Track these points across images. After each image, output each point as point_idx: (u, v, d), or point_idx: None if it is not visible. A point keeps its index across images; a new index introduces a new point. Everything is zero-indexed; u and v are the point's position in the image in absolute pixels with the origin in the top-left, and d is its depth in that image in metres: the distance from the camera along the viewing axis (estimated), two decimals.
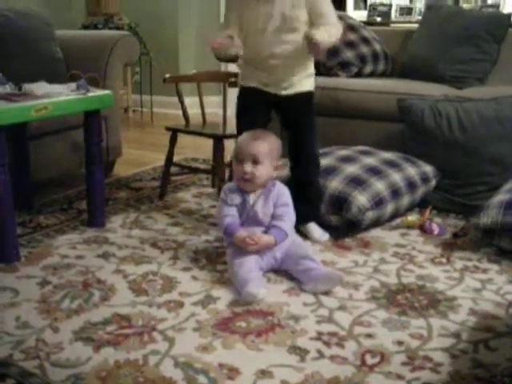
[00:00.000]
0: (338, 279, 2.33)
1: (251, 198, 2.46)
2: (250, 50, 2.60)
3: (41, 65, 3.48)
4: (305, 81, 2.70)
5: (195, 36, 6.36)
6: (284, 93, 2.67)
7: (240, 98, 2.77)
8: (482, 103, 3.29)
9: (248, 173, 2.41)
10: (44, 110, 2.57)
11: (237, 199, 2.47)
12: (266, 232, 2.45)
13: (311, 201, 2.79)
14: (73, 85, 2.82)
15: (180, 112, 3.48)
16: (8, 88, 2.68)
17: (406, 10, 8.10)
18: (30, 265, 2.55)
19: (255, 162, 2.41)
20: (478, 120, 3.21)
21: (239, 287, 2.26)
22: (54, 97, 2.66)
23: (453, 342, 1.97)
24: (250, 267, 2.32)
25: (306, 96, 2.73)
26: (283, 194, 2.50)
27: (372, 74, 4.26)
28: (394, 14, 7.93)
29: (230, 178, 2.76)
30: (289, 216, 2.47)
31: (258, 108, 2.69)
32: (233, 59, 2.75)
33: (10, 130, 2.48)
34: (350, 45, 4.15)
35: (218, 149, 3.26)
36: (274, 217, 2.46)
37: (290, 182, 2.68)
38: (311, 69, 2.74)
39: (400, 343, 1.96)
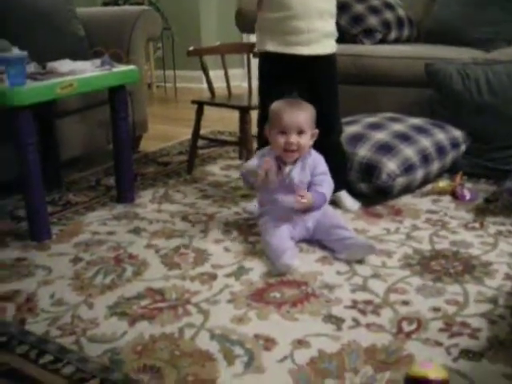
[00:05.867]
0: (372, 249, 2.31)
1: (287, 165, 2.43)
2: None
3: (63, 43, 3.47)
4: (326, 41, 2.64)
5: (216, 9, 6.32)
6: (304, 52, 2.59)
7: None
8: (511, 65, 3.23)
9: (294, 143, 2.38)
10: (69, 87, 2.56)
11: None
12: None
13: (339, 168, 2.75)
14: (97, 61, 2.81)
15: (203, 86, 3.48)
16: (32, 67, 2.67)
17: None
18: (61, 242, 2.56)
19: (300, 132, 2.39)
20: (507, 82, 3.15)
21: (273, 258, 2.24)
22: (79, 74, 2.64)
23: (490, 308, 1.95)
24: (283, 237, 2.31)
25: (329, 59, 2.67)
26: (320, 162, 2.47)
27: (397, 41, 4.19)
28: None
29: (259, 149, 2.72)
30: (328, 183, 2.45)
31: (280, 73, 2.63)
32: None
33: (36, 108, 2.48)
34: (374, 11, 4.09)
35: (245, 120, 3.24)
36: (312, 185, 2.43)
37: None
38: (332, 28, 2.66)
39: (436, 310, 1.94)
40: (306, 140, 2.40)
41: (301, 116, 2.38)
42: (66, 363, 1.74)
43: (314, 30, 2.56)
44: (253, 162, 2.47)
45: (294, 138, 2.37)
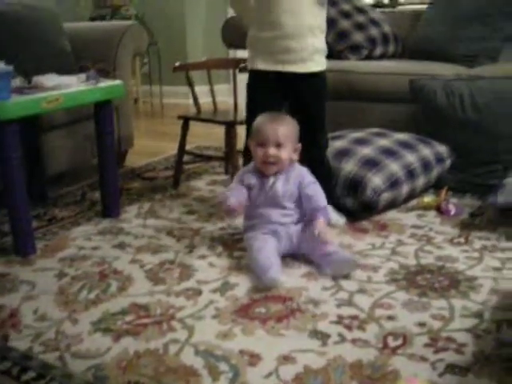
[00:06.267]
0: (356, 264, 2.32)
1: (270, 178, 2.45)
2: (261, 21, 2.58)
3: (50, 58, 3.46)
4: (317, 57, 2.65)
5: (202, 24, 6.35)
6: (296, 70, 2.59)
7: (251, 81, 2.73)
8: (495, 81, 3.26)
9: (272, 156, 2.39)
10: (55, 102, 2.55)
11: (253, 179, 2.46)
12: (285, 214, 2.46)
13: (325, 182, 2.74)
14: (82, 76, 2.80)
15: (190, 101, 3.48)
16: (18, 81, 2.66)
17: None
18: (46, 257, 2.54)
19: (279, 145, 2.40)
20: (491, 98, 3.18)
21: (259, 273, 2.23)
22: (65, 88, 2.64)
23: (475, 322, 1.94)
24: (268, 252, 2.31)
25: (319, 75, 2.67)
26: (306, 174, 2.48)
27: (382, 56, 4.23)
28: None
29: (244, 165, 2.72)
30: (320, 192, 2.46)
31: (270, 91, 2.64)
32: None
33: (21, 122, 2.47)
34: (360, 27, 4.12)
35: (230, 135, 3.24)
36: (305, 199, 2.45)
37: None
38: (323, 44, 2.67)
39: (422, 325, 1.94)
40: (286, 153, 2.41)
41: (280, 129, 2.40)
42: (49, 380, 1.72)
43: (305, 48, 2.56)
44: (230, 190, 2.49)
45: (272, 151, 2.39)
